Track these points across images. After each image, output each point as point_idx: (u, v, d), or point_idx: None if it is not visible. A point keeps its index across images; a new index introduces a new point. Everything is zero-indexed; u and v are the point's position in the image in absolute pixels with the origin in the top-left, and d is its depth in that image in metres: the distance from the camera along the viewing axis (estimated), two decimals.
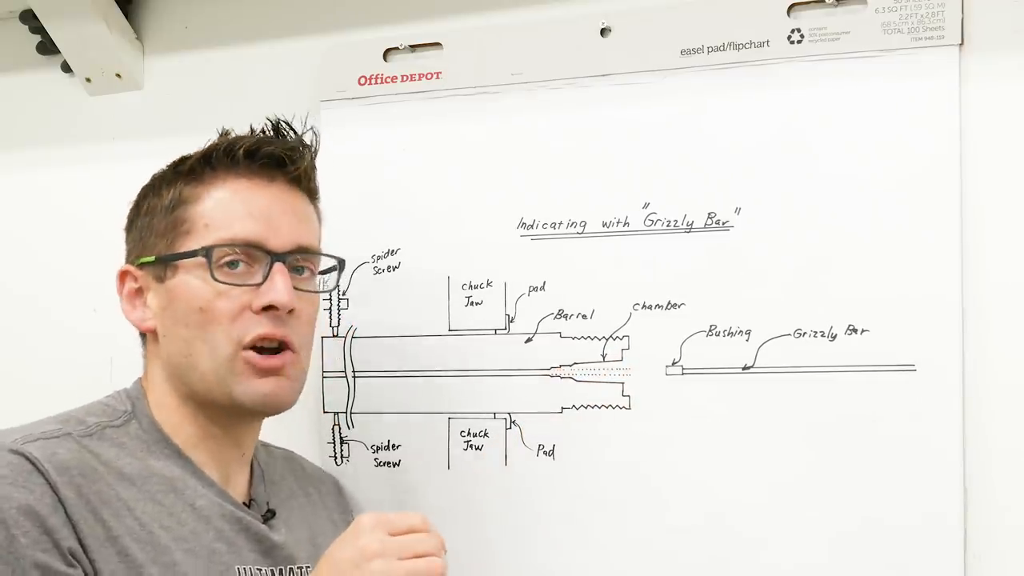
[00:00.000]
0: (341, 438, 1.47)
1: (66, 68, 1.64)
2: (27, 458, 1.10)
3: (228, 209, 1.21)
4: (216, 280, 1.19)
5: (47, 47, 1.64)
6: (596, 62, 1.36)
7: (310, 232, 1.26)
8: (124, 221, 1.28)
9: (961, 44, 1.23)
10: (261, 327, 1.19)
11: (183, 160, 1.24)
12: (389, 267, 1.45)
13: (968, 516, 1.21)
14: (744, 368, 1.29)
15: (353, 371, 1.46)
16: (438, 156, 1.43)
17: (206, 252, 1.19)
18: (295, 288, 1.21)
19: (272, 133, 1.27)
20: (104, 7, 1.57)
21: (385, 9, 1.49)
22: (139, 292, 1.23)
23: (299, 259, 1.24)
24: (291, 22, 1.54)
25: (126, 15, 1.61)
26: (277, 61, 1.54)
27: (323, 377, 1.47)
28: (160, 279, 1.22)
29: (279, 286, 1.19)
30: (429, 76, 1.44)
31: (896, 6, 1.24)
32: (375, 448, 1.45)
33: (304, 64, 1.51)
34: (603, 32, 1.36)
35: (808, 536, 1.26)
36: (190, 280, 1.20)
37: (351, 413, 1.46)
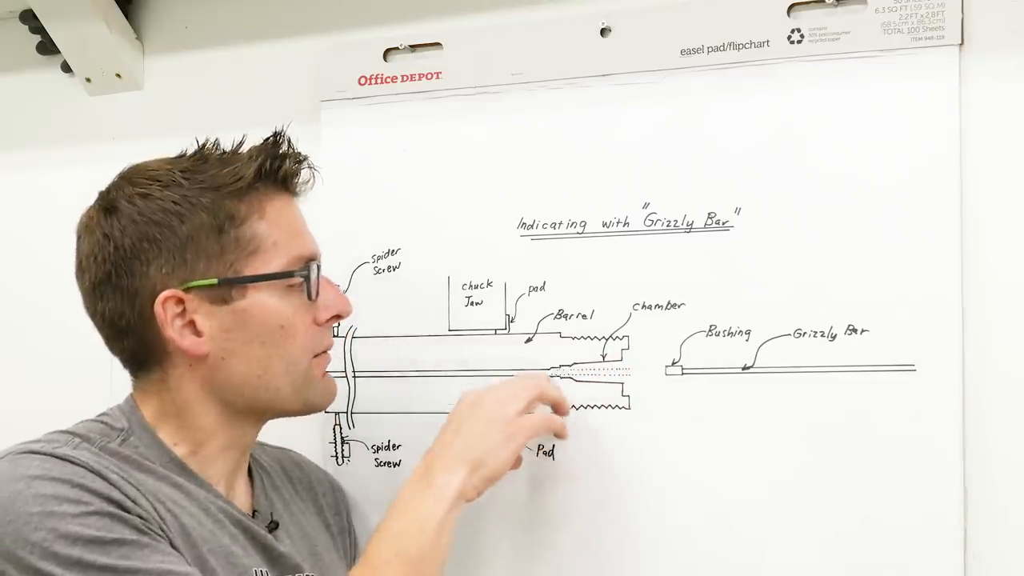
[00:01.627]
0: (342, 438, 1.47)
1: (66, 68, 1.65)
2: (62, 458, 1.09)
3: (286, 227, 1.22)
4: (311, 299, 1.21)
5: (47, 47, 1.64)
6: (596, 62, 1.36)
7: None
8: None
9: (961, 44, 1.23)
10: (327, 337, 1.26)
11: (208, 176, 1.19)
12: (389, 267, 1.45)
13: (968, 516, 1.21)
14: (744, 368, 1.29)
15: (353, 371, 1.46)
16: (438, 156, 1.43)
17: (304, 273, 1.21)
18: None
19: (273, 142, 1.24)
20: (104, 7, 1.57)
21: (385, 9, 1.49)
22: (182, 316, 1.18)
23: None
24: (291, 22, 1.54)
25: (126, 15, 1.61)
26: (277, 61, 1.54)
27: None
28: (224, 300, 1.18)
29: (343, 297, 1.27)
30: (429, 76, 1.44)
31: (896, 6, 1.24)
32: (375, 448, 1.45)
33: (304, 64, 1.51)
34: (603, 32, 1.36)
35: (808, 536, 1.26)
36: (267, 299, 1.19)
37: (351, 413, 1.46)
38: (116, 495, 1.09)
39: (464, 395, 1.27)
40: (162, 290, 1.17)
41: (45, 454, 1.10)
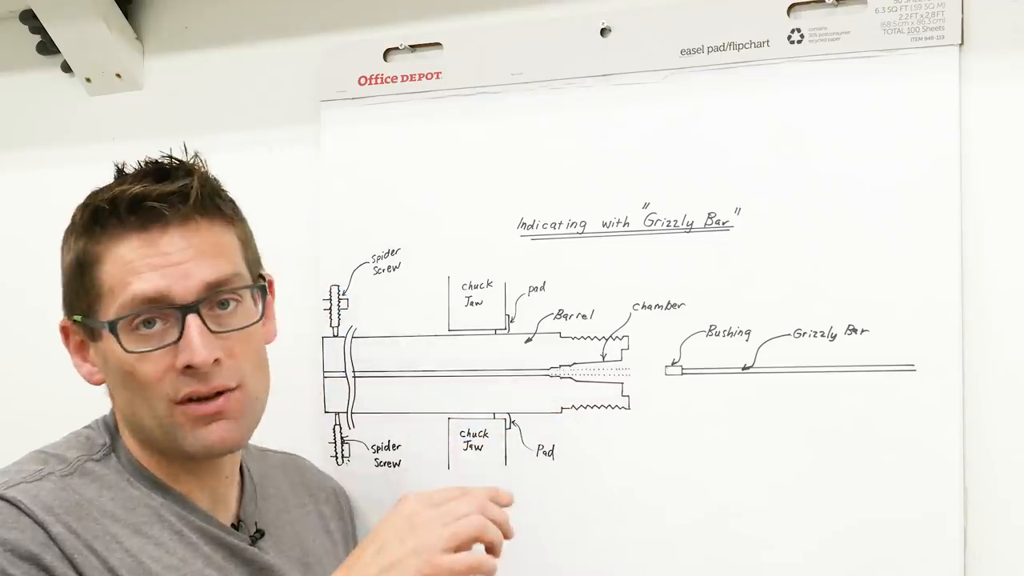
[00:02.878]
0: (342, 438, 1.47)
1: (66, 68, 1.64)
2: (10, 502, 1.09)
3: (126, 269, 1.14)
4: (127, 351, 1.14)
5: (47, 47, 1.64)
6: (596, 62, 1.36)
7: (222, 264, 1.17)
8: None
9: (961, 44, 1.23)
10: (189, 385, 1.14)
11: (83, 208, 1.18)
12: (389, 267, 1.45)
13: (968, 516, 1.21)
14: (744, 368, 1.29)
15: (353, 371, 1.46)
16: (438, 156, 1.43)
17: (111, 326, 1.14)
18: (219, 331, 1.15)
19: (137, 173, 1.19)
20: (104, 7, 1.57)
21: (385, 9, 1.48)
22: (83, 344, 1.20)
23: (220, 295, 1.17)
24: (291, 22, 1.54)
25: (126, 15, 1.61)
26: (277, 61, 1.54)
27: (323, 377, 1.47)
28: (92, 338, 1.19)
29: (194, 344, 1.13)
30: (429, 76, 1.44)
31: (896, 6, 1.24)
32: (375, 448, 1.45)
33: (304, 64, 1.51)
34: (603, 32, 1.36)
35: (808, 536, 1.26)
36: (112, 345, 1.15)
37: (351, 413, 1.46)
38: (47, 560, 1.07)
39: (402, 503, 1.12)
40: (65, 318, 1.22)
41: None
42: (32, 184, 1.69)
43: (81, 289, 1.18)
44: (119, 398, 1.20)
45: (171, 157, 1.20)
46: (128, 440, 1.20)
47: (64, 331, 1.22)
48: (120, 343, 1.14)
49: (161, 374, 1.14)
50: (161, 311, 1.15)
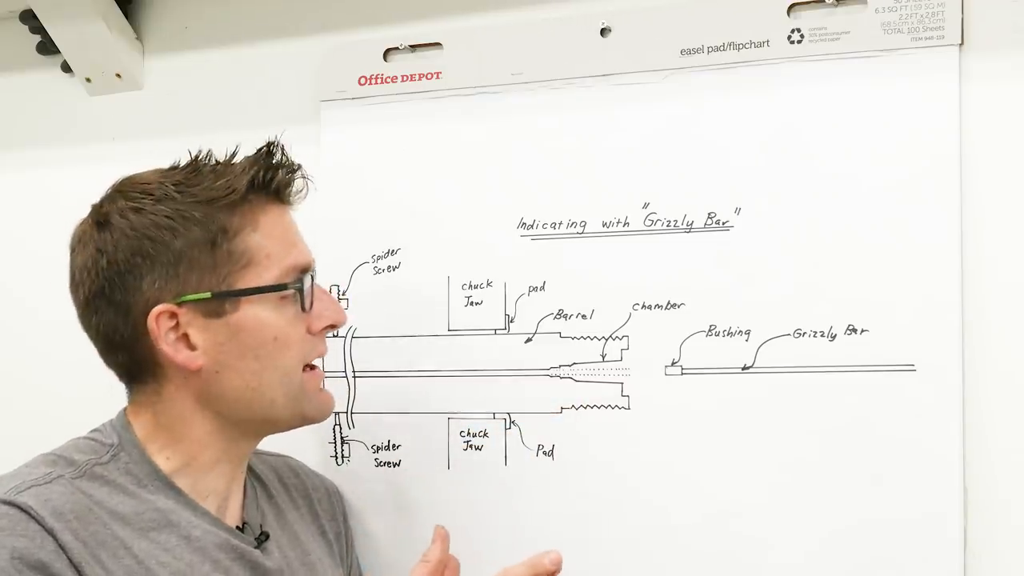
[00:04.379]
0: (341, 438, 1.47)
1: (66, 68, 1.65)
2: (21, 508, 1.09)
3: (279, 238, 1.21)
4: (305, 310, 1.21)
5: (47, 47, 1.64)
6: (596, 62, 1.36)
7: None
8: None
9: (961, 44, 1.23)
10: (321, 346, 1.25)
11: (201, 188, 1.19)
12: (389, 267, 1.45)
13: (968, 516, 1.21)
14: (744, 368, 1.29)
15: (353, 371, 1.46)
16: (438, 156, 1.43)
17: (298, 285, 1.20)
18: None
19: (266, 152, 1.23)
20: (104, 7, 1.57)
21: (385, 9, 1.49)
22: (175, 329, 1.18)
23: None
24: (291, 22, 1.54)
25: (126, 15, 1.61)
26: (277, 61, 1.54)
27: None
28: (217, 314, 1.18)
29: (337, 306, 1.27)
30: (429, 76, 1.44)
31: (896, 6, 1.24)
32: (375, 448, 1.45)
33: (304, 64, 1.51)
34: (603, 32, 1.36)
35: (808, 536, 1.26)
36: (261, 312, 1.19)
37: (351, 413, 1.46)
38: (56, 568, 1.07)
39: None
40: (155, 304, 1.17)
41: (6, 503, 1.09)
42: (32, 184, 1.69)
43: (216, 261, 1.17)
44: (238, 375, 1.19)
45: (271, 144, 1.23)
46: (161, 434, 1.19)
47: (157, 318, 1.16)
48: (301, 301, 1.21)
49: (302, 338, 1.22)
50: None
